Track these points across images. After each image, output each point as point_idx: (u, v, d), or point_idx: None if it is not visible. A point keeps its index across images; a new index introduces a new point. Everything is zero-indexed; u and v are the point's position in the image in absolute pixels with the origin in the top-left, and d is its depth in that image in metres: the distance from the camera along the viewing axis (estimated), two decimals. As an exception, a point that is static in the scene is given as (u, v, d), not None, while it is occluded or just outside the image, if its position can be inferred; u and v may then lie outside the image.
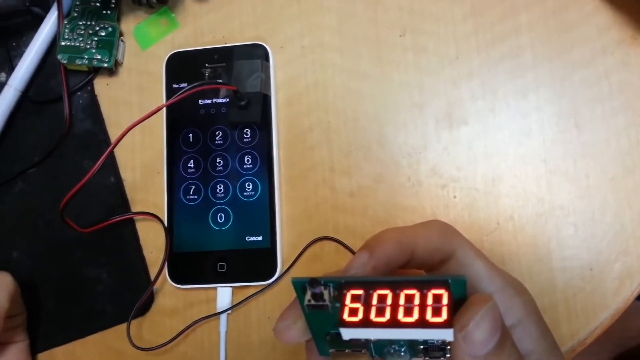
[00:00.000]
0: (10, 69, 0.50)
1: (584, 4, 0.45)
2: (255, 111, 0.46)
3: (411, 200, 0.45)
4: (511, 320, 0.30)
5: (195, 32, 0.49)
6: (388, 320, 0.25)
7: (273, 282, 0.45)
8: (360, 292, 0.26)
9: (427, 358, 0.27)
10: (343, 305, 0.26)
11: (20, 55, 0.50)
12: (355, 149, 0.46)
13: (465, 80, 0.45)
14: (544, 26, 0.45)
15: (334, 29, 0.47)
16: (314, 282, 0.26)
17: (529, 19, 0.45)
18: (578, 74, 0.44)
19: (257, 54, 0.47)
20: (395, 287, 0.25)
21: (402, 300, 0.25)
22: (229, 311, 0.45)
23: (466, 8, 0.46)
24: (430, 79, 0.46)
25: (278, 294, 0.45)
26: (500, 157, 0.44)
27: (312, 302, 0.26)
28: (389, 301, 0.25)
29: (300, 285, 0.26)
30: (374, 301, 0.25)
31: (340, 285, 0.26)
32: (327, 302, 0.26)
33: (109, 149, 0.41)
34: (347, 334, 0.25)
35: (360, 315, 0.25)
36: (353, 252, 0.44)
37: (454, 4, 0.46)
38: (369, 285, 0.26)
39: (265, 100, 0.46)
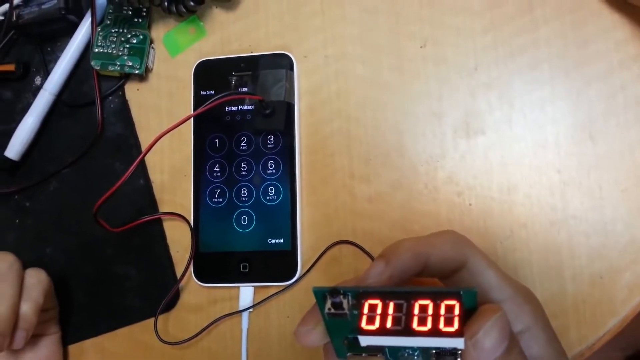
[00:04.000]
0: (45, 73, 0.52)
1: (602, 19, 0.46)
2: (279, 119, 0.47)
3: (428, 206, 0.46)
4: (520, 327, 0.32)
5: (222, 40, 0.51)
6: (403, 329, 0.26)
7: (293, 283, 0.47)
8: (377, 301, 0.27)
9: (439, 363, 0.28)
10: (361, 313, 0.27)
11: (55, 60, 0.52)
12: (374, 156, 0.47)
13: (484, 91, 0.46)
14: (562, 40, 0.46)
15: (357, 40, 0.49)
16: (334, 291, 0.27)
17: (547, 33, 0.46)
18: (594, 87, 0.45)
19: (282, 63, 0.48)
20: (410, 298, 0.27)
21: (416, 310, 0.27)
22: (251, 309, 0.47)
23: (486, 21, 0.47)
24: (449, 90, 0.47)
25: (297, 295, 0.47)
26: (516, 166, 0.45)
27: (332, 310, 0.28)
28: (404, 311, 0.27)
29: (321, 294, 0.28)
30: (390, 310, 0.27)
31: (359, 294, 0.28)
32: (346, 311, 0.28)
33: (140, 157, 0.43)
34: (364, 340, 0.27)
35: (377, 324, 0.27)
36: (370, 256, 0.46)
37: (475, 16, 0.47)
38: (385, 295, 0.27)
39: (288, 109, 0.48)
